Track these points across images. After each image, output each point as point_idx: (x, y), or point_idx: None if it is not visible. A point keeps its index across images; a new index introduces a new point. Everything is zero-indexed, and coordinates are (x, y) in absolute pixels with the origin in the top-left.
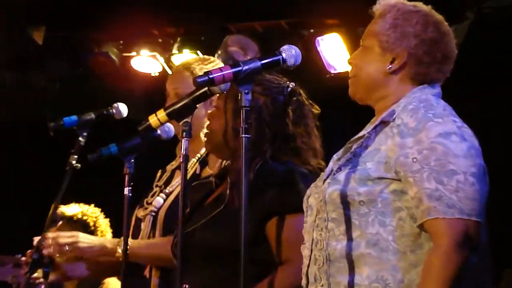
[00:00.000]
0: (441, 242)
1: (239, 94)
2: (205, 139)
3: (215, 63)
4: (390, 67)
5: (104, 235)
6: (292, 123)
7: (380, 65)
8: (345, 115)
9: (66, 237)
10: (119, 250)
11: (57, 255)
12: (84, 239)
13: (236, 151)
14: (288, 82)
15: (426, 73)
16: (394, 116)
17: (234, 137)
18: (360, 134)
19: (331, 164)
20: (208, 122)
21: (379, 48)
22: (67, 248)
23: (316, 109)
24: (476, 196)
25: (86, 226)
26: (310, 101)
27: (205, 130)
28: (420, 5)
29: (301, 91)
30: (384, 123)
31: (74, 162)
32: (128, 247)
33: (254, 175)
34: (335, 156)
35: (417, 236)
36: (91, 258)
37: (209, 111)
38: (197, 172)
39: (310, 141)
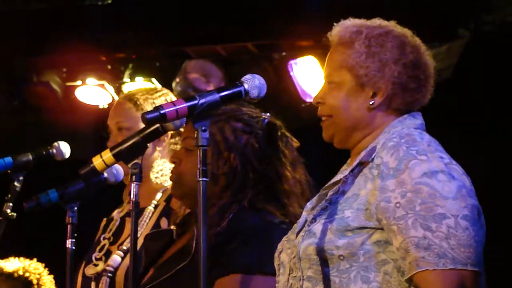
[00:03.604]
0: None
1: (216, 134)
2: (172, 184)
3: (162, 92)
4: (373, 102)
5: None
6: (280, 163)
7: (360, 102)
8: (324, 151)
9: None
10: None
11: None
12: None
13: (210, 198)
14: (263, 114)
15: (413, 101)
16: (373, 155)
17: (212, 183)
18: (336, 178)
19: (304, 214)
20: (172, 165)
21: (356, 83)
22: None
23: (295, 142)
24: (471, 242)
25: (28, 284)
26: (289, 134)
27: (157, 173)
28: (385, 23)
29: (280, 123)
30: (362, 164)
31: (8, 210)
32: None
33: (227, 225)
34: (308, 205)
35: None
36: None
37: (159, 148)
38: (162, 225)
39: (296, 184)
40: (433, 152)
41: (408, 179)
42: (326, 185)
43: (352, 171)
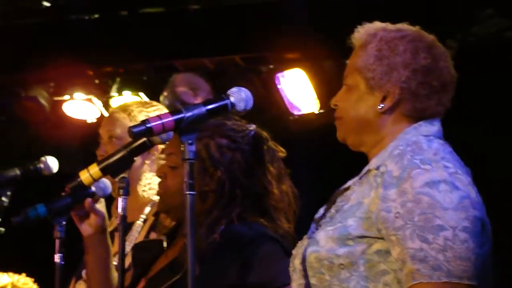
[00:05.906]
0: None
1: (202, 151)
2: (159, 199)
3: (157, 107)
4: (382, 106)
5: None
6: (267, 179)
7: (369, 105)
8: (311, 163)
9: None
10: None
11: None
12: None
13: (199, 215)
14: (248, 126)
15: (425, 108)
16: (380, 162)
17: (200, 200)
18: (346, 185)
19: (314, 221)
20: (159, 181)
21: (366, 86)
22: None
23: (282, 152)
24: (469, 255)
25: None
26: (274, 143)
27: (144, 186)
28: (406, 28)
29: (266, 135)
30: (370, 172)
31: None
32: None
33: (221, 239)
34: (321, 210)
35: None
36: None
37: (147, 161)
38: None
39: (283, 198)
40: (438, 162)
41: (410, 189)
42: (336, 191)
43: (360, 178)
